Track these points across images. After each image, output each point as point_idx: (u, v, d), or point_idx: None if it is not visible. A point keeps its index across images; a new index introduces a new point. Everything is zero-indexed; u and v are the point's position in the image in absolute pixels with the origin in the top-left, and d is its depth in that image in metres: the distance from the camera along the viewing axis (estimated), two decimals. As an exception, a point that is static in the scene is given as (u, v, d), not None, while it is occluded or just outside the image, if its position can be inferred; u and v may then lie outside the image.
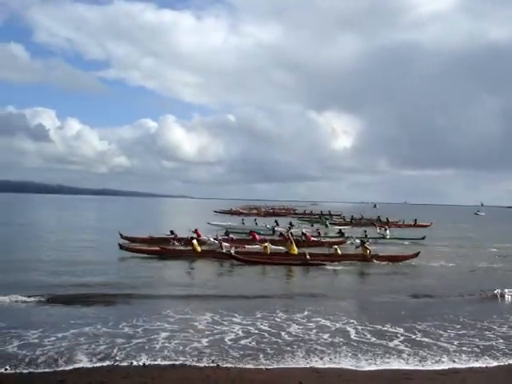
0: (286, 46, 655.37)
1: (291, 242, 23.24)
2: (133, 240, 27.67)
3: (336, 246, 23.81)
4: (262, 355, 9.57)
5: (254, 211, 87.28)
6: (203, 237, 25.49)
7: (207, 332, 11.13)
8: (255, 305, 13.96)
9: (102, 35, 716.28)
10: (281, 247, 23.95)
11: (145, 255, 23.39)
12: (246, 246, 23.91)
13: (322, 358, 9.47)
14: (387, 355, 9.73)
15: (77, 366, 8.67)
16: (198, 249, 22.97)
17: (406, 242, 34.52)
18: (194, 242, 23.26)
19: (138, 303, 14.05)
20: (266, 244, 23.16)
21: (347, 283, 19.19)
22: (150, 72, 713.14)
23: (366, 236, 33.51)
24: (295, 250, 22.49)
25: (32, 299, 13.62)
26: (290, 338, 10.74)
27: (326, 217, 63.64)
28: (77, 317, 12.06)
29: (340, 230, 37.34)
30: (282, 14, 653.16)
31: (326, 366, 9.02)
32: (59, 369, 8.52)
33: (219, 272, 20.50)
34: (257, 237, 27.20)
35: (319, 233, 34.64)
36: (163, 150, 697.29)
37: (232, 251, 22.01)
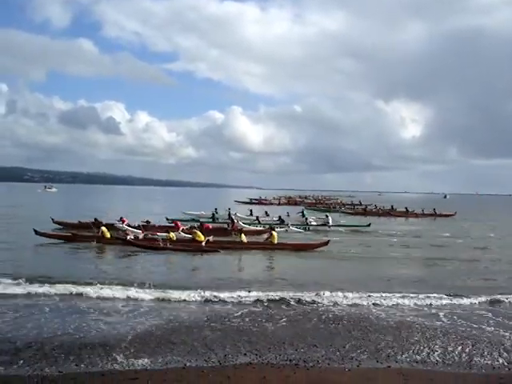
0: (351, 34, 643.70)
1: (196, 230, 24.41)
2: (63, 224, 29.49)
3: (243, 234, 23.90)
4: (350, 352, 8.96)
5: (276, 201, 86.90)
6: (123, 225, 26.87)
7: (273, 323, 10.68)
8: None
9: (169, 28, 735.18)
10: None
11: (56, 240, 24.26)
12: (158, 234, 24.33)
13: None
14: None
15: (149, 362, 8.25)
16: (108, 235, 24.04)
17: (342, 230, 33.46)
18: (103, 228, 24.32)
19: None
20: (172, 233, 23.91)
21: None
22: (216, 63, 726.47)
23: (307, 224, 33.89)
24: (201, 238, 22.91)
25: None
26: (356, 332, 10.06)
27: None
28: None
29: (280, 216, 36.09)
30: (345, 1, 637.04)
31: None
32: (131, 368, 8.09)
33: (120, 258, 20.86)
34: (179, 225, 27.50)
35: (259, 221, 34.52)
36: (230, 141, 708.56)
37: (129, 237, 22.98)
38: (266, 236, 24.86)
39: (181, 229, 25.94)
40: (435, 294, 13.61)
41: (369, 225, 34.05)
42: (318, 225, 34.36)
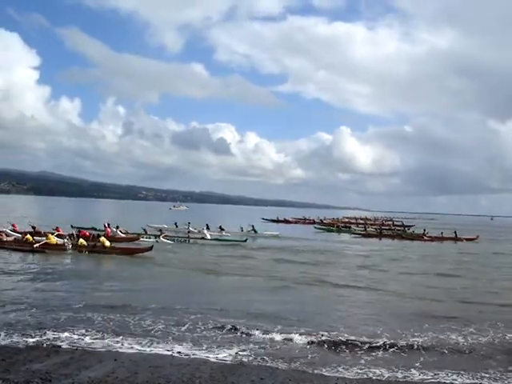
0: (462, 51, 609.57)
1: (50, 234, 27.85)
2: None
3: (102, 238, 27.38)
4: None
5: (301, 220, 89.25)
6: (7, 229, 31.47)
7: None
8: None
9: (278, 50, 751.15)
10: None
11: None
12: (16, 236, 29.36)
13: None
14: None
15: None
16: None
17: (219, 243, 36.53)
18: None
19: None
20: (29, 235, 27.54)
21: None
22: (324, 84, 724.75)
23: (188, 237, 37.67)
24: (52, 240, 26.55)
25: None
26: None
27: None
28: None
29: (160, 229, 40.77)
30: (456, 18, 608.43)
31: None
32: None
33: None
34: (60, 230, 31.48)
35: (145, 231, 37.84)
36: (338, 162, 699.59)
37: None
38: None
39: (56, 233, 29.50)
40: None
41: (245, 240, 38.03)
42: (197, 238, 38.10)
